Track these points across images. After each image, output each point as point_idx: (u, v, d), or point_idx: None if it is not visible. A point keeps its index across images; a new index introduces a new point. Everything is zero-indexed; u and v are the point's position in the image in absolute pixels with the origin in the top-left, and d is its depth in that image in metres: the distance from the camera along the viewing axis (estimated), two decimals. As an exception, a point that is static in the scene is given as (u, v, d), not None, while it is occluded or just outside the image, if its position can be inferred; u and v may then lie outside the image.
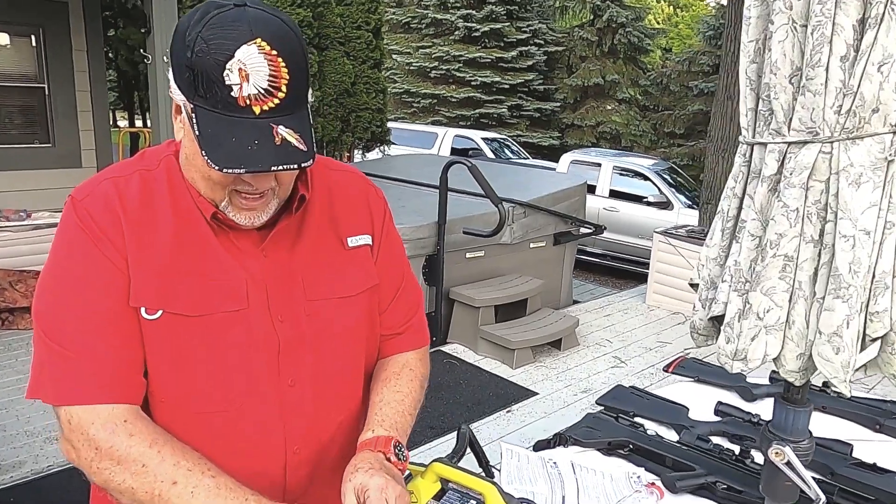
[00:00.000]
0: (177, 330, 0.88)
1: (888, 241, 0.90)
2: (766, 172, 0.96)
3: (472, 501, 1.04)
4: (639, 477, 1.39)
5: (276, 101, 0.79)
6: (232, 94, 0.77)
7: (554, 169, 9.07)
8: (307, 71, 0.83)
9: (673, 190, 8.51)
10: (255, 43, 0.77)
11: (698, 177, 13.02)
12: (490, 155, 12.12)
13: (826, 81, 0.88)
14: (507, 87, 17.04)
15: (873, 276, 0.91)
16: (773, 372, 1.97)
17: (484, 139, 12.72)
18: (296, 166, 0.80)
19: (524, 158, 12.98)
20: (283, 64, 0.78)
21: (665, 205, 8.24)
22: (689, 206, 8.19)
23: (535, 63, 17.48)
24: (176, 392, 0.90)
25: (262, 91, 0.78)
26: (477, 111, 17.05)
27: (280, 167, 0.79)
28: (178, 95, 0.83)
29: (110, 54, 8.18)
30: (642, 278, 7.29)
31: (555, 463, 1.39)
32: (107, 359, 0.85)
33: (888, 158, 0.88)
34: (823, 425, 1.66)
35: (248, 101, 0.78)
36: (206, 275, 0.90)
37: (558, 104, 17.92)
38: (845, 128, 0.88)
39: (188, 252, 0.89)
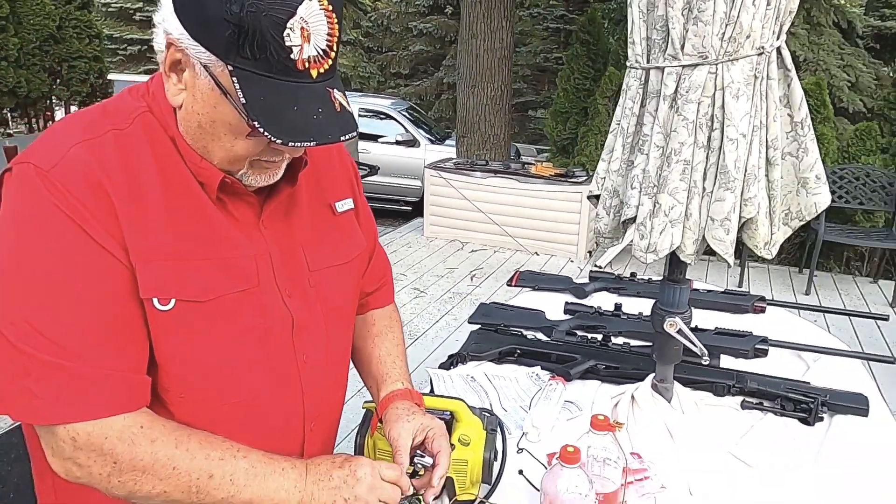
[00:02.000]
0: (190, 318, 0.78)
1: (755, 141, 1.15)
2: (666, 92, 1.14)
3: (443, 418, 1.11)
4: (538, 375, 1.57)
5: (330, 62, 0.73)
6: (291, 56, 0.69)
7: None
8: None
9: (415, 127, 8.90)
10: None
11: (428, 114, 13.82)
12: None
13: (713, 13, 1.07)
14: (227, 30, 15.94)
15: (745, 170, 1.16)
16: (592, 271, 2.32)
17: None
18: (355, 134, 0.74)
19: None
20: (336, 20, 0.71)
21: (412, 142, 8.60)
22: (432, 142, 8.68)
23: (254, 4, 16.55)
24: (195, 386, 0.80)
25: (321, 52, 0.71)
26: (196, 57, 15.73)
27: (346, 136, 0.73)
28: (199, 52, 0.70)
29: None
30: (399, 215, 7.66)
31: (473, 378, 1.51)
32: (114, 364, 0.73)
33: (755, 75, 1.12)
34: (639, 306, 2.02)
35: (306, 65, 0.70)
36: (210, 253, 0.80)
37: (283, 47, 17.29)
38: (727, 51, 1.09)
39: (187, 228, 0.78)
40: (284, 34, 0.68)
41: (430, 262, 4.94)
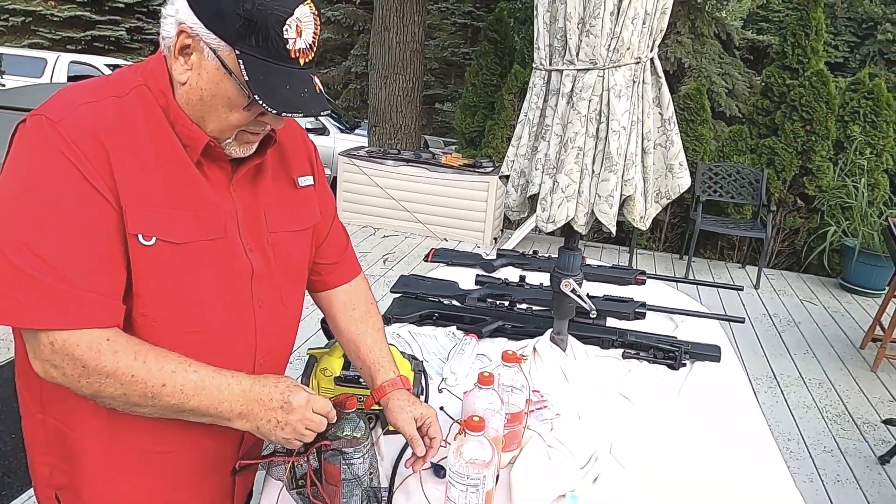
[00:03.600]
0: (167, 256, 0.92)
1: (633, 133, 1.42)
2: (564, 91, 1.39)
3: None
4: (454, 333, 1.80)
5: (312, 54, 0.91)
6: (287, 46, 0.87)
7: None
8: None
9: (325, 116, 8.87)
10: (308, 4, 0.88)
11: (335, 103, 13.79)
12: (120, 84, 10.88)
13: (601, 29, 1.33)
14: (122, 6, 15.13)
15: (625, 156, 1.43)
16: (498, 251, 2.57)
17: (110, 66, 11.29)
18: (328, 112, 0.94)
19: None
20: (319, 23, 0.91)
21: (321, 131, 8.60)
22: (342, 131, 8.73)
23: (152, -20, 15.82)
24: (167, 313, 0.95)
25: (308, 46, 0.90)
26: (88, 33, 14.82)
27: (324, 112, 0.93)
28: (210, 39, 0.87)
29: None
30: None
31: (398, 335, 1.72)
32: (93, 286, 0.86)
33: (634, 80, 1.39)
34: (540, 278, 2.29)
35: (297, 54, 0.89)
36: (188, 205, 0.95)
37: (184, 28, 16.66)
38: (612, 59, 1.35)
39: (170, 182, 0.93)
40: (284, 28, 0.86)
41: (344, 247, 5.09)
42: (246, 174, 1.04)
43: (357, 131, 8.77)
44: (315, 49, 0.92)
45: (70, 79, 10.46)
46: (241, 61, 0.87)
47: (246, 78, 0.87)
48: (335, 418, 1.04)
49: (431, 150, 6.89)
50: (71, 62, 10.87)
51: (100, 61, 11.36)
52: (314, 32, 0.90)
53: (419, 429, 1.13)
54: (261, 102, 0.87)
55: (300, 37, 0.88)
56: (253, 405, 0.96)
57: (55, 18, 14.52)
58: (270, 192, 1.08)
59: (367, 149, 5.99)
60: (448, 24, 15.38)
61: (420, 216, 5.50)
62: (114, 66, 11.39)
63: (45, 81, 10.31)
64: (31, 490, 1.09)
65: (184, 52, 0.91)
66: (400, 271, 4.66)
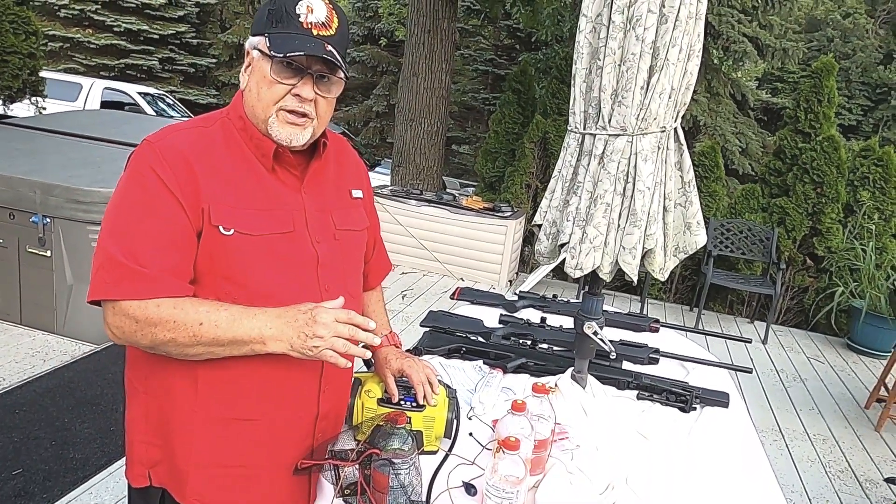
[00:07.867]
0: (245, 246, 1.12)
1: (656, 193, 1.58)
2: (596, 152, 1.55)
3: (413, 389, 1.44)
4: (480, 367, 1.93)
5: (329, 31, 1.11)
6: (299, 19, 1.09)
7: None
8: (348, 34, 1.17)
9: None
10: None
11: (356, 138, 14.11)
12: (150, 111, 11.26)
13: (632, 100, 1.50)
14: (156, 37, 15.71)
15: (648, 213, 1.58)
16: (519, 293, 2.71)
17: (142, 94, 11.69)
18: (336, 62, 1.11)
19: (187, 117, 12.33)
20: (335, 13, 1.12)
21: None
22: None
23: (187, 14, 16.43)
24: (247, 294, 1.12)
25: (321, 22, 1.11)
26: (122, 61, 15.38)
27: (324, 55, 1.09)
28: (254, 41, 1.12)
29: None
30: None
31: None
32: (161, 266, 1.06)
33: (659, 146, 1.55)
34: (560, 321, 2.42)
35: (309, 25, 1.10)
36: (262, 205, 1.15)
37: (213, 60, 17.23)
38: (640, 127, 1.52)
39: (246, 189, 1.14)
40: (296, 7, 1.10)
41: (364, 281, 5.24)
42: (312, 180, 1.24)
43: (378, 169, 9.03)
44: (331, 26, 1.12)
45: (103, 104, 10.83)
46: (268, 40, 1.10)
47: (268, 44, 1.09)
48: (360, 320, 1.10)
49: (452, 191, 7.09)
50: (105, 88, 11.27)
51: (132, 88, 11.78)
52: (327, 14, 1.12)
53: (402, 377, 1.38)
54: (271, 51, 1.08)
55: (311, 13, 1.11)
56: (282, 326, 1.06)
57: (91, 45, 15.08)
58: (333, 199, 1.29)
59: (390, 187, 6.20)
60: (470, 70, 15.82)
61: (439, 255, 5.66)
62: (145, 94, 11.82)
63: (79, 105, 10.69)
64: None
65: (247, 67, 1.15)
66: (418, 307, 4.80)
